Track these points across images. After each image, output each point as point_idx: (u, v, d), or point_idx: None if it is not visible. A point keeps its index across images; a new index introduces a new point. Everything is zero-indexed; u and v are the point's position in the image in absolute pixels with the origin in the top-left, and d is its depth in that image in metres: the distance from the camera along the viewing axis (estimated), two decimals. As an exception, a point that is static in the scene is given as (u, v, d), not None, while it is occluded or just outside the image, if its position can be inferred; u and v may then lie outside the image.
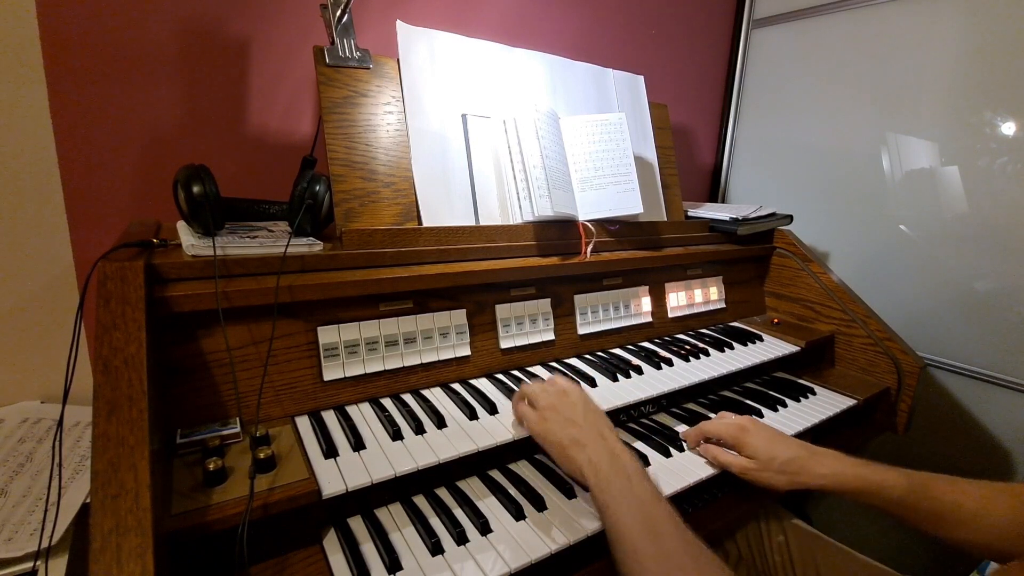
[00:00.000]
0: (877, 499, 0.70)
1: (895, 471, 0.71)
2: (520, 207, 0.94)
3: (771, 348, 1.14)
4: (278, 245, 0.73)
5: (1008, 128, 1.22)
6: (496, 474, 0.77)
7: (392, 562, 0.59)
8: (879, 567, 0.82)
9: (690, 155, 1.82)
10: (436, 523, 0.66)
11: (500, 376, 0.89)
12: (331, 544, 0.62)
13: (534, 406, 0.73)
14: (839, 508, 1.58)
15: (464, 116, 0.94)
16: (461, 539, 0.63)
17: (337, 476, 0.62)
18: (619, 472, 0.62)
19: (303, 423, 0.71)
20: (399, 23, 0.89)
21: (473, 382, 0.87)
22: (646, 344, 1.09)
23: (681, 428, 0.91)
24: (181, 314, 0.64)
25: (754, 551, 0.91)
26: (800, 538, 0.89)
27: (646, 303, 1.11)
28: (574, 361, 0.98)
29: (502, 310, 0.91)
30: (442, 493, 0.72)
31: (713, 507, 0.84)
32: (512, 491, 0.72)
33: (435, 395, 0.82)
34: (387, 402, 0.79)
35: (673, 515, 0.59)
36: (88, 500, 0.55)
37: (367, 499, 0.68)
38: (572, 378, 0.85)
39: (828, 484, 0.72)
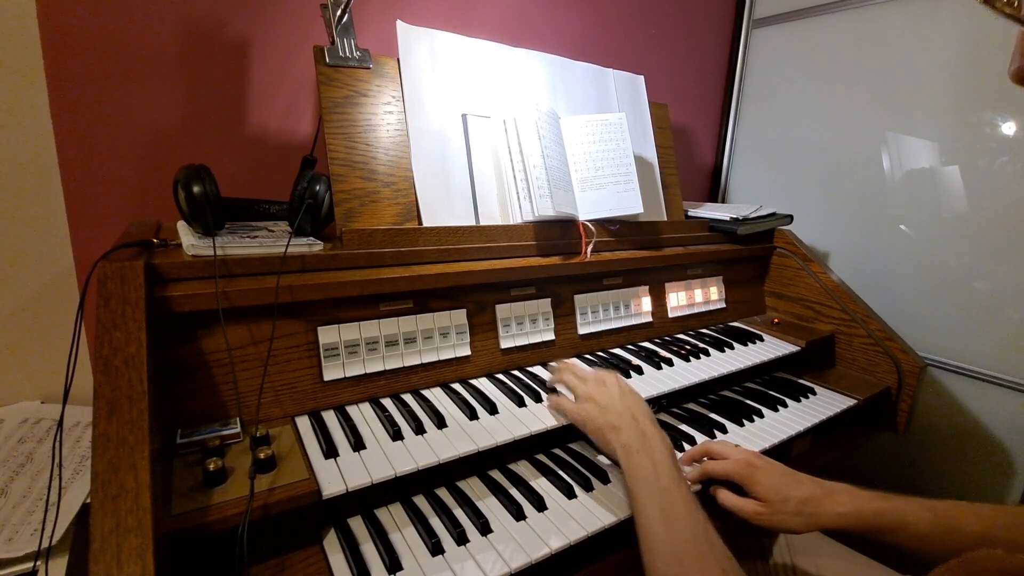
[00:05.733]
0: (901, 536, 0.64)
1: (915, 503, 0.65)
2: (520, 207, 0.94)
3: (771, 348, 1.14)
4: (278, 245, 0.73)
5: (1008, 128, 1.22)
6: (496, 474, 0.77)
7: (392, 562, 0.59)
8: (879, 567, 0.82)
9: (690, 155, 1.81)
10: (436, 523, 0.66)
11: (500, 376, 0.89)
12: (331, 544, 0.62)
13: (574, 395, 0.79)
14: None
15: (464, 116, 0.94)
16: (461, 539, 0.63)
17: (337, 476, 0.62)
18: (647, 456, 0.67)
19: (303, 423, 0.71)
20: (399, 23, 0.89)
21: (473, 382, 0.87)
22: (646, 344, 1.09)
23: (683, 427, 0.91)
24: (181, 314, 0.64)
25: (755, 551, 0.91)
26: (801, 538, 0.89)
27: (646, 303, 1.11)
28: (574, 361, 0.98)
29: (502, 310, 0.91)
30: (442, 493, 0.72)
31: (712, 507, 0.83)
32: (512, 491, 0.72)
33: (435, 395, 0.82)
34: (387, 402, 0.79)
35: (690, 502, 0.62)
36: (88, 500, 0.55)
37: (367, 499, 0.67)
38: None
39: (848, 524, 0.67)
